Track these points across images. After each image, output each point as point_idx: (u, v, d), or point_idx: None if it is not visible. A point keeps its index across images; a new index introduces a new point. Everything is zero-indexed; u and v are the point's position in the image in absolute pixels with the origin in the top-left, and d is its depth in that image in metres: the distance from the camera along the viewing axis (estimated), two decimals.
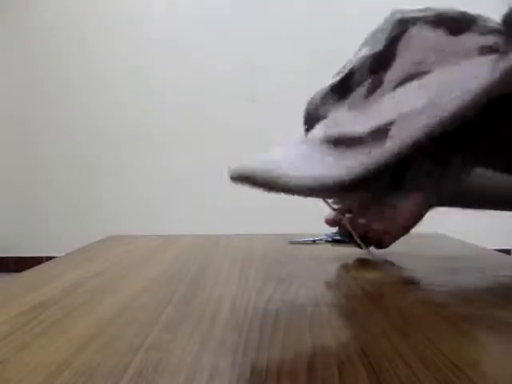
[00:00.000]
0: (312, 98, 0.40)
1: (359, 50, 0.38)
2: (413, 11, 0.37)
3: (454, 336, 0.34)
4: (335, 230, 0.75)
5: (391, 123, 0.34)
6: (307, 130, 0.40)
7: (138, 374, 0.28)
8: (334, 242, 0.77)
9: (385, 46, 0.35)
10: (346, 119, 0.36)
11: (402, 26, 0.35)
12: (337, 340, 0.33)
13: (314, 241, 0.76)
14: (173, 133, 3.10)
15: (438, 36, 0.35)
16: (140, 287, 0.49)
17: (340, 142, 0.35)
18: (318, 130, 0.38)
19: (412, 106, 0.33)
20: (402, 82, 0.35)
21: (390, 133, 0.33)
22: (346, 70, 0.37)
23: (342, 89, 0.37)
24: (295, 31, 3.04)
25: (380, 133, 0.34)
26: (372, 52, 0.36)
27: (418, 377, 0.27)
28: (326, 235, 0.78)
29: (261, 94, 3.04)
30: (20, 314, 0.40)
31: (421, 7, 0.37)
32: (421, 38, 0.35)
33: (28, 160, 3.18)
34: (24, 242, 3.17)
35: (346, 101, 0.37)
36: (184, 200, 3.10)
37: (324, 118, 0.38)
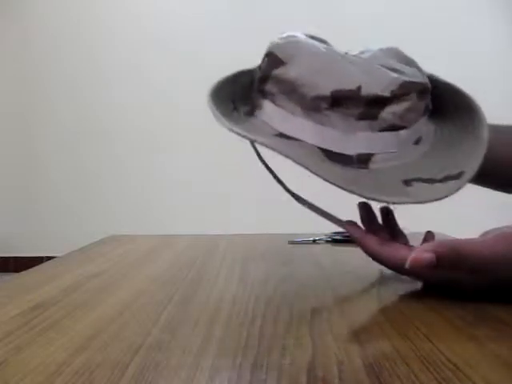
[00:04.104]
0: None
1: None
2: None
3: (454, 336, 0.34)
4: (335, 230, 0.75)
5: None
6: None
7: (137, 373, 0.28)
8: (334, 241, 0.77)
9: None
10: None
11: None
12: (337, 340, 0.33)
13: (314, 241, 0.76)
14: (173, 133, 3.10)
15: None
16: (140, 287, 0.49)
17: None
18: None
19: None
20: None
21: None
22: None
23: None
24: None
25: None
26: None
27: (418, 377, 0.27)
28: (326, 235, 0.79)
29: None
30: (20, 313, 0.40)
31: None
32: None
33: (28, 160, 3.18)
34: (24, 241, 3.17)
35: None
36: (184, 200, 3.10)
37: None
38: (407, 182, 0.46)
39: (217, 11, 3.08)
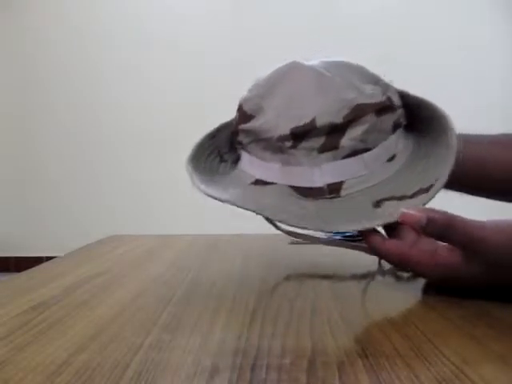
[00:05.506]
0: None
1: None
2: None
3: (455, 336, 0.34)
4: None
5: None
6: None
7: (138, 374, 0.28)
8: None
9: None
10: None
11: None
12: (337, 340, 0.33)
13: None
14: (173, 133, 3.10)
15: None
16: (140, 287, 0.49)
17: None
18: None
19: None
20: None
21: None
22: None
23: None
24: (296, 32, 3.04)
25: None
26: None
27: (418, 377, 0.27)
28: (326, 235, 0.78)
29: None
30: (20, 313, 0.40)
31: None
32: None
33: (28, 160, 3.18)
34: (24, 242, 3.17)
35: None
36: (184, 200, 3.10)
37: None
38: (378, 203, 0.47)
39: (218, 11, 3.09)
